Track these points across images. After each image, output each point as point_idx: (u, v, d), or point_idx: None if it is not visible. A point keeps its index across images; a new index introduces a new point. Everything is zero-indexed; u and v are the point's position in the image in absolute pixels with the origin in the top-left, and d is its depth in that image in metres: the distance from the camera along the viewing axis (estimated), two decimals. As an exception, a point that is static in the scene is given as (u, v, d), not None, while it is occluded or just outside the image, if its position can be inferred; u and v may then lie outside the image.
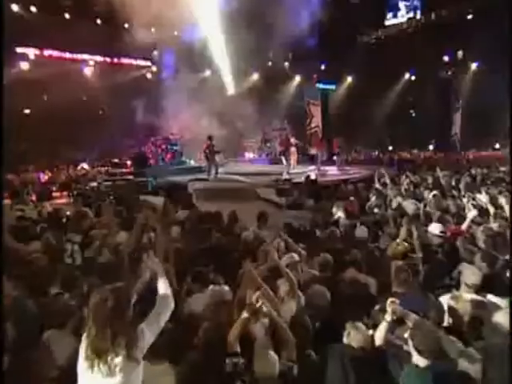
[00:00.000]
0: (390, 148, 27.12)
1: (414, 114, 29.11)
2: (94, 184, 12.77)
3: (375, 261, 4.84)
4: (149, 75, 20.46)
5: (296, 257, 4.34)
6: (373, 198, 8.65)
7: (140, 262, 3.71)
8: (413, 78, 26.75)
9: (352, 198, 9.05)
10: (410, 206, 7.52)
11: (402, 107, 27.64)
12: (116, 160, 15.74)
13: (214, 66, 19.84)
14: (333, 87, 23.36)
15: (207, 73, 21.11)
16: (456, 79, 20.43)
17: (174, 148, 16.83)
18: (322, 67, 22.22)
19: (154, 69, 20.53)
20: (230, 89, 20.20)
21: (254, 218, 6.36)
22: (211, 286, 3.61)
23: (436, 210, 7.51)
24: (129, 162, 15.73)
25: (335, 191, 10.09)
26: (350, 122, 22.97)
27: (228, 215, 7.09)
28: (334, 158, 14.45)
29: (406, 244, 5.18)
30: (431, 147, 25.76)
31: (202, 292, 3.74)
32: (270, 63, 22.18)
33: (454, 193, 9.01)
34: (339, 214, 7.72)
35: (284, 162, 11.44)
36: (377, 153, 23.06)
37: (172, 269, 3.97)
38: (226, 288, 3.60)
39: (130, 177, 13.42)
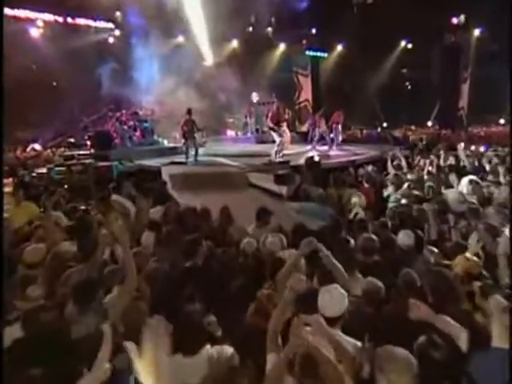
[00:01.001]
0: (385, 125, 25.95)
1: (409, 87, 27.95)
2: (44, 170, 10.87)
3: (446, 288, 3.32)
4: (111, 40, 18.31)
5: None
6: (390, 187, 7.43)
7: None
8: (409, 46, 25.37)
9: (366, 185, 7.64)
10: (452, 196, 6.12)
11: (397, 79, 26.50)
12: (72, 140, 13.63)
13: (188, 31, 18.08)
14: (324, 55, 21.95)
15: (180, 39, 19.33)
16: (464, 44, 18.98)
17: (145, 125, 15.10)
18: (313, 31, 20.48)
19: (118, 32, 18.38)
20: (208, 57, 18.78)
21: (248, 214, 5.48)
22: (207, 347, 2.61)
23: (477, 200, 6.24)
24: (89, 143, 13.73)
25: (344, 176, 8.71)
26: (340, 95, 21.56)
27: (220, 213, 5.52)
28: (332, 135, 12.87)
29: (476, 259, 3.83)
30: (430, 123, 24.73)
31: (192, 353, 2.55)
32: (250, 29, 20.49)
33: (491, 177, 7.73)
34: (358, 208, 6.31)
35: (276, 139, 9.83)
36: (379, 130, 21.69)
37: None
38: (229, 350, 2.62)
39: (90, 160, 11.52)
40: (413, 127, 24.24)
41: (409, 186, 7.24)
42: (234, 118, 17.73)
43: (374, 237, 4.34)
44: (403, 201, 6.84)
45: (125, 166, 11.52)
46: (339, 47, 23.96)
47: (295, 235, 4.65)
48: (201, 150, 11.82)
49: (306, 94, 20.72)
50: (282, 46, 22.00)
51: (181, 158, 11.46)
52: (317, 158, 9.41)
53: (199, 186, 8.58)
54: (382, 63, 25.38)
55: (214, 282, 3.87)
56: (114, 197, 5.49)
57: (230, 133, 17.90)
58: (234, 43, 20.92)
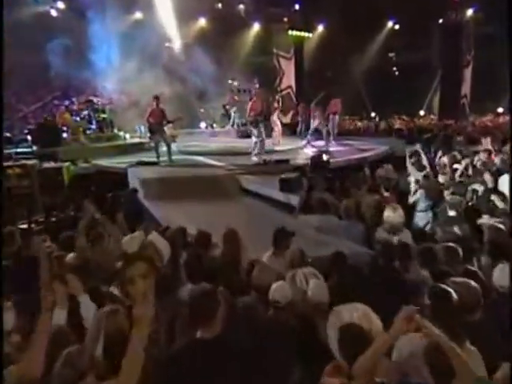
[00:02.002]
0: (373, 114, 25.31)
1: (397, 72, 27.39)
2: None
3: None
4: (54, 13, 16.44)
5: None
6: (419, 193, 6.59)
7: None
8: (396, 26, 24.70)
9: (386, 194, 6.78)
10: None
11: (384, 63, 25.84)
12: (8, 134, 11.80)
13: (148, 7, 16.71)
14: (310, 35, 20.72)
15: (138, 15, 17.77)
16: (465, 23, 18.43)
17: (102, 116, 13.74)
18: (296, 8, 19.43)
19: (61, 5, 16.52)
20: (173, 37, 17.49)
21: (248, 232, 4.70)
22: None
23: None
24: (30, 138, 11.96)
25: (359, 179, 7.70)
26: (322, 81, 20.58)
27: (224, 240, 4.32)
28: (329, 127, 11.99)
29: None
30: (422, 112, 24.27)
31: None
32: (219, 5, 19.27)
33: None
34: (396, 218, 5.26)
35: (254, 137, 9.45)
36: (377, 120, 21.02)
37: None
38: None
39: (34, 161, 9.86)
40: (404, 117, 23.62)
41: (454, 192, 6.26)
42: (206, 108, 16.36)
43: (471, 282, 3.17)
44: (451, 213, 5.81)
45: (79, 168, 10.18)
46: (320, 28, 22.98)
47: (336, 269, 3.88)
48: (173, 147, 10.64)
49: (289, 79, 19.61)
50: (256, 26, 20.75)
51: (150, 157, 10.33)
52: (325, 157, 8.28)
53: (180, 194, 7.59)
54: (368, 46, 24.56)
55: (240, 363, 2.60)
56: (152, 236, 3.97)
57: (203, 125, 16.53)
58: (202, 21, 19.55)
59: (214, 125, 16.38)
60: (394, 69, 27.23)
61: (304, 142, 12.03)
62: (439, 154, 9.20)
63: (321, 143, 12.26)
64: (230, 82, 15.24)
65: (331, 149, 11.09)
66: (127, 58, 14.91)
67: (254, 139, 9.49)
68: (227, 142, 13.19)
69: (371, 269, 4.20)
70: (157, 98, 9.85)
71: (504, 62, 14.13)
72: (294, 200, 6.84)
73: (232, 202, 7.66)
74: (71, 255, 4.21)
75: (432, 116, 21.89)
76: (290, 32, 19.55)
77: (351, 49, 23.05)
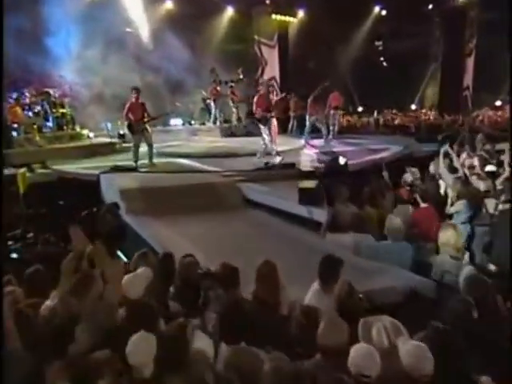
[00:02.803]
0: (360, 109, 24.97)
1: (385, 63, 27.14)
2: None
3: None
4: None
5: None
6: (460, 201, 5.92)
7: None
8: (383, 12, 24.38)
9: (424, 205, 6.06)
10: None
11: (370, 53, 25.51)
12: None
13: None
14: (295, 20, 20.17)
15: None
16: (467, 8, 18.18)
17: (60, 111, 12.75)
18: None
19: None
20: (137, 20, 16.45)
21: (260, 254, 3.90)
22: None
23: None
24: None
25: (382, 186, 7.01)
26: (304, 72, 20.04)
27: (258, 279, 3.59)
28: (332, 125, 11.56)
29: None
30: (413, 106, 24.09)
31: None
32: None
33: None
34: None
35: (265, 135, 8.85)
36: (375, 115, 20.77)
37: None
38: None
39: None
40: (394, 111, 23.32)
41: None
42: (184, 102, 15.44)
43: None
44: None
45: (37, 175, 9.32)
46: (300, 13, 22.35)
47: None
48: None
49: (272, 70, 18.84)
50: (231, 9, 19.86)
51: (126, 161, 9.55)
52: (342, 160, 7.56)
53: (170, 207, 6.93)
54: (353, 33, 24.09)
55: None
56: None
57: (178, 122, 15.57)
58: (169, 3, 18.49)
59: (192, 121, 15.40)
60: (382, 59, 26.95)
61: (302, 142, 11.26)
62: (464, 154, 8.69)
63: (320, 142, 11.73)
64: (210, 71, 14.21)
65: (336, 149, 10.49)
66: (88, 44, 14.19)
67: (264, 138, 8.81)
68: (213, 142, 12.59)
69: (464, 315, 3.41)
70: (136, 90, 9.12)
71: (503, 50, 13.84)
72: (318, 214, 6.04)
73: (236, 216, 6.92)
74: (47, 305, 3.22)
75: (424, 110, 21.66)
76: (273, 16, 18.75)
77: (335, 37, 22.62)
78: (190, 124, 15.48)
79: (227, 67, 15.89)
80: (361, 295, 3.42)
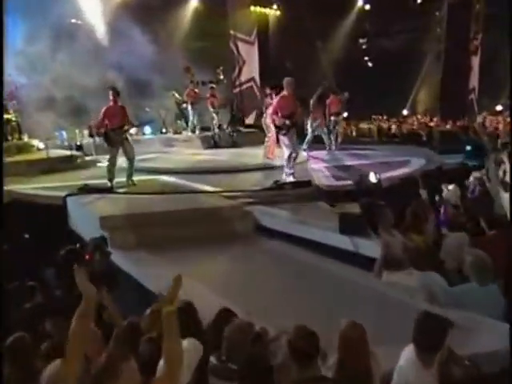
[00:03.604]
0: (345, 114, 24.95)
1: (370, 64, 27.36)
2: None
3: None
4: None
5: None
6: None
7: None
8: (367, 6, 24.58)
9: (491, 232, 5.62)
10: None
11: (353, 52, 25.65)
12: None
13: None
14: (276, 13, 19.88)
15: None
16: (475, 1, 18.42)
17: (6, 118, 11.87)
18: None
19: None
20: (89, 9, 15.96)
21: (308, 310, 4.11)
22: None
23: None
24: None
25: (422, 207, 6.62)
26: (286, 73, 19.87)
27: (345, 346, 3.06)
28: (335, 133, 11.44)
29: None
30: (405, 112, 24.30)
31: None
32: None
33: None
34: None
35: (286, 147, 8.31)
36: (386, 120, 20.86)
37: None
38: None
39: None
40: (423, 119, 23.25)
41: None
42: (154, 107, 14.83)
43: None
44: None
45: None
46: (282, 5, 22.24)
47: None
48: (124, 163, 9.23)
49: (251, 70, 18.87)
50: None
51: (94, 178, 9.12)
52: (374, 178, 7.13)
53: (166, 238, 6.37)
54: (334, 30, 24.21)
55: None
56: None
57: (147, 130, 14.95)
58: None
59: (164, 129, 14.76)
60: (366, 58, 27.17)
61: (304, 154, 11.01)
62: (504, 166, 8.52)
63: (323, 155, 11.63)
64: (185, 71, 14.22)
65: (349, 163, 10.35)
66: (32, 38, 13.90)
67: (286, 150, 8.28)
68: (195, 154, 12.39)
69: None
70: (114, 90, 8.66)
71: (504, 49, 13.92)
72: (366, 247, 5.50)
73: (251, 248, 6.39)
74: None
75: (418, 116, 21.81)
76: (252, 8, 18.68)
77: (316, 33, 22.76)
78: (162, 133, 14.78)
79: (197, 66, 15.50)
80: (467, 362, 3.07)
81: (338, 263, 5.66)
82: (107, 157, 8.81)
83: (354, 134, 17.85)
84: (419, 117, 22.11)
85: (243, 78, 18.87)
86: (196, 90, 13.74)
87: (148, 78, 14.93)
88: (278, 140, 9.57)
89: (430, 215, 6.55)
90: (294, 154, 8.24)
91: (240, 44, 18.80)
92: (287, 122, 8.11)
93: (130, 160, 8.68)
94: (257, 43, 18.95)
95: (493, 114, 20.40)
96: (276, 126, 8.41)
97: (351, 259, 5.66)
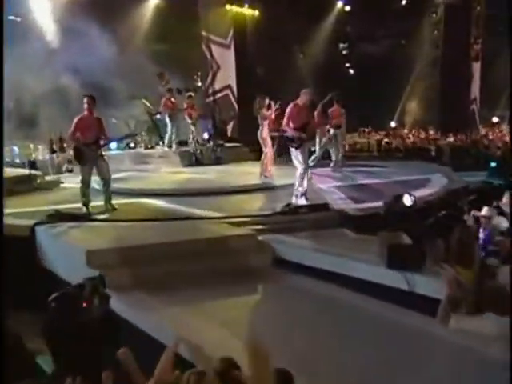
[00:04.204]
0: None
1: (351, 71, 27.61)
2: None
3: None
4: None
5: None
6: None
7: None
8: (347, 8, 24.82)
9: None
10: None
11: (333, 58, 25.77)
12: None
13: None
14: (255, 13, 19.95)
15: None
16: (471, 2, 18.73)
17: None
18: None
19: None
20: (30, 5, 15.50)
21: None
22: None
23: None
24: None
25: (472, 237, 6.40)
26: (253, 80, 20.11)
27: None
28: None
29: None
30: (393, 124, 24.54)
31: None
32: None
33: None
34: None
35: (298, 163, 8.28)
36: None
37: None
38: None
39: None
40: (367, 129, 23.47)
41: None
42: (121, 118, 14.50)
43: None
44: None
45: None
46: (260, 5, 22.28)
47: None
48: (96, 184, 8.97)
49: (227, 76, 18.81)
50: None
51: (62, 202, 8.70)
52: (408, 200, 6.81)
53: (170, 276, 5.91)
54: (313, 33, 24.32)
55: None
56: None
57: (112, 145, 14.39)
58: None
59: (132, 144, 14.33)
60: (347, 65, 27.42)
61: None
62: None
63: (327, 172, 11.61)
64: (158, 77, 14.12)
65: (361, 181, 10.36)
66: None
67: (299, 166, 8.14)
68: (177, 172, 12.26)
69: None
70: (90, 98, 8.40)
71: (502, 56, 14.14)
72: (422, 285, 5.08)
73: (273, 287, 5.93)
74: None
75: (408, 130, 21.95)
76: (227, 7, 18.63)
77: (293, 36, 22.78)
78: (131, 147, 14.31)
79: (165, 71, 15.36)
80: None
81: (386, 304, 5.17)
82: (70, 176, 8.40)
83: (346, 148, 17.69)
84: (406, 130, 22.34)
85: (218, 85, 18.68)
86: (173, 100, 13.40)
87: (110, 83, 14.51)
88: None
89: (476, 244, 6.32)
90: (307, 172, 8.04)
91: (214, 47, 18.64)
92: (303, 134, 7.94)
93: (106, 180, 8.36)
94: (233, 46, 18.86)
95: (489, 126, 20.74)
96: (288, 139, 8.21)
97: (402, 300, 5.22)
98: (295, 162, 8.23)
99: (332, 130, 11.97)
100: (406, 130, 22.39)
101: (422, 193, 8.89)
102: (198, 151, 13.15)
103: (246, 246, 6.61)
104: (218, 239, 6.63)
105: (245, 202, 8.96)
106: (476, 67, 19.33)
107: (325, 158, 12.09)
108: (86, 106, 8.28)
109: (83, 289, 5.01)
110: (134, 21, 17.53)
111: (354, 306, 5.27)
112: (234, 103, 18.67)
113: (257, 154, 14.24)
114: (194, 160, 12.87)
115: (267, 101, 10.31)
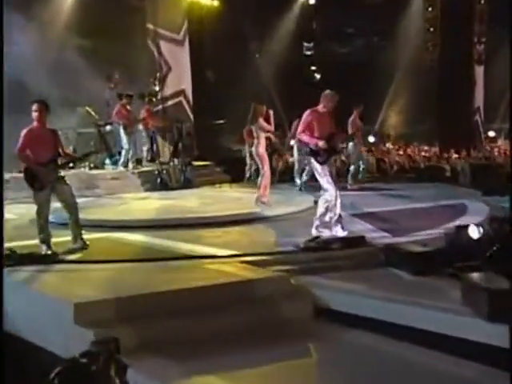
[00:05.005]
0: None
1: (317, 75, 28.11)
2: None
3: None
4: None
5: None
6: None
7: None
8: (311, 1, 25.56)
9: None
10: None
11: (297, 60, 26.35)
12: None
13: None
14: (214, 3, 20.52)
15: None
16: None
17: None
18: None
19: None
20: None
21: None
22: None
23: None
24: None
25: None
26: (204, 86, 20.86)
27: None
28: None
29: None
30: (372, 139, 24.93)
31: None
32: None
33: None
34: None
35: (327, 185, 8.36)
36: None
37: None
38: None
39: None
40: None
41: None
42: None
43: None
44: None
45: None
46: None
47: None
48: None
49: (181, 79, 19.03)
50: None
51: (15, 239, 8.08)
52: (476, 232, 6.86)
53: (183, 335, 5.70)
54: (274, 31, 25.01)
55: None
56: None
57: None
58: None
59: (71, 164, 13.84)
60: (313, 68, 27.86)
61: (310, 199, 11.29)
62: None
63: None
64: (107, 80, 14.34)
65: (385, 208, 10.70)
66: None
67: (328, 189, 8.14)
68: (143, 198, 12.41)
69: None
70: (42, 104, 8.18)
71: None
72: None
73: (323, 347, 5.66)
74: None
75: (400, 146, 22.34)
76: None
77: (251, 33, 23.38)
78: (70, 167, 13.78)
79: (100, 72, 15.40)
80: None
81: (485, 368, 4.89)
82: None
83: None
84: (390, 145, 22.72)
85: (168, 90, 18.63)
86: (128, 108, 13.39)
87: (36, 86, 14.32)
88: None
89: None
90: (339, 193, 8.07)
91: (163, 44, 18.68)
92: (332, 143, 8.11)
93: (72, 207, 8.14)
94: (188, 44, 18.95)
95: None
96: (311, 152, 8.20)
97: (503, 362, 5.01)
98: (321, 181, 8.18)
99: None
100: (389, 145, 22.76)
101: (467, 222, 8.94)
102: (164, 172, 13.03)
103: (278, 292, 6.33)
104: (242, 284, 6.37)
105: (249, 235, 8.98)
106: (479, 71, 19.91)
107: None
108: (35, 114, 8.02)
109: (94, 357, 4.64)
110: (61, 8, 17.28)
111: (438, 371, 4.99)
112: (189, 113, 18.62)
113: (234, 174, 14.24)
114: (158, 183, 12.75)
115: (264, 108, 10.28)
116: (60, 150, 8.28)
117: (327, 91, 8.40)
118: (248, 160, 14.49)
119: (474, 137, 19.79)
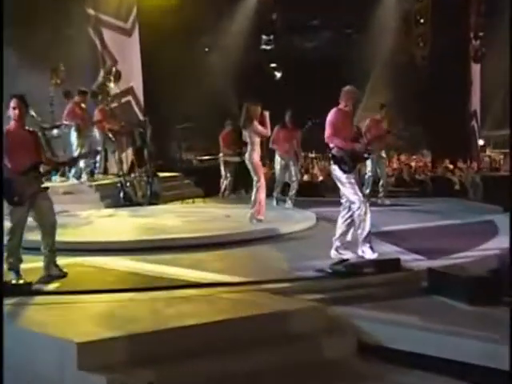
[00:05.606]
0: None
1: (278, 74, 28.28)
2: None
3: None
4: None
5: None
6: None
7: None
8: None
9: None
10: None
11: (254, 55, 26.56)
12: None
13: None
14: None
15: None
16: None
17: None
18: None
19: None
20: None
21: None
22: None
23: None
24: None
25: None
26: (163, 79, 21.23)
27: None
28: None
29: None
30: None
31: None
32: None
33: None
34: None
35: (354, 198, 8.35)
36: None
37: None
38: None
39: None
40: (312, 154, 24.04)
41: None
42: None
43: None
44: None
45: None
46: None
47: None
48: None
49: (129, 75, 19.22)
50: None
51: None
52: None
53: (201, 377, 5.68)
54: (227, 23, 25.38)
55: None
56: None
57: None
58: None
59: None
60: (273, 65, 27.97)
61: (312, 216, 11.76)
62: None
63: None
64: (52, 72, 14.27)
65: (404, 226, 11.02)
66: None
67: (355, 203, 8.16)
68: (111, 216, 12.46)
69: None
70: (20, 100, 7.85)
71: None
72: None
73: None
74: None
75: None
76: None
77: (201, 25, 23.69)
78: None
79: (33, 66, 15.45)
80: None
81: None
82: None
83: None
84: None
85: (115, 87, 18.58)
86: (83, 106, 13.31)
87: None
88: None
89: None
90: (362, 206, 8.00)
91: (107, 33, 18.79)
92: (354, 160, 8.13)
93: (49, 228, 7.93)
94: (137, 33, 19.10)
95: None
96: (335, 159, 8.11)
97: None
98: (346, 192, 8.14)
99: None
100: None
101: (503, 243, 9.05)
102: (128, 184, 12.97)
103: (315, 325, 6.37)
104: (272, 317, 6.26)
105: (254, 257, 9.00)
106: (476, 70, 20.32)
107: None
108: (14, 112, 7.73)
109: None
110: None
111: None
112: (139, 115, 18.71)
113: (206, 187, 14.12)
114: (122, 198, 12.69)
115: (259, 109, 10.28)
116: (41, 155, 8.11)
117: (347, 87, 8.36)
118: (223, 170, 14.56)
119: (470, 145, 20.18)
